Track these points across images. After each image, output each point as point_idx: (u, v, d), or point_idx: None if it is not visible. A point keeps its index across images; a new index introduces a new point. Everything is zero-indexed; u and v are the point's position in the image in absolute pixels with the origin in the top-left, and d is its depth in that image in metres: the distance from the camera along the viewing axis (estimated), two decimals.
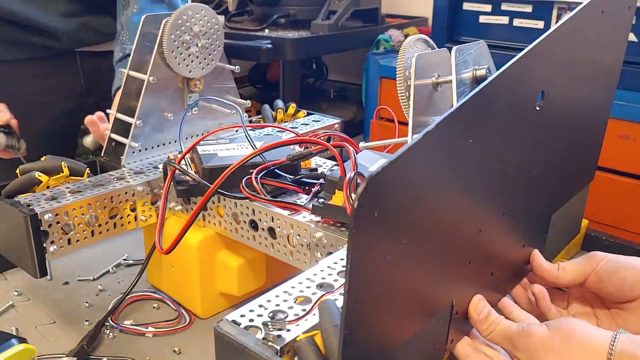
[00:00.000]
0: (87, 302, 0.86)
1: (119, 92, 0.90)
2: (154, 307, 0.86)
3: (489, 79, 0.45)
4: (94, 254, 0.98)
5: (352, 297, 0.37)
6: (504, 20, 1.55)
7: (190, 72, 0.90)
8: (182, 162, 0.78)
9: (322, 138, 0.86)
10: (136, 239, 1.01)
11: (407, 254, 0.42)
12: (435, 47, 0.69)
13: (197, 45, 0.89)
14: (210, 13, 0.90)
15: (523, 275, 0.73)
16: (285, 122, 1.08)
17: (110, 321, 0.80)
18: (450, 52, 0.64)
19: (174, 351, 0.76)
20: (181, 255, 0.81)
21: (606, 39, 0.70)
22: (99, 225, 0.77)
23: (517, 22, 1.55)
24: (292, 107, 1.09)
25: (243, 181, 0.71)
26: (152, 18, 0.88)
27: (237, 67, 0.95)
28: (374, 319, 0.41)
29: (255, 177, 0.72)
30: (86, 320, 0.82)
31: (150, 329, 0.80)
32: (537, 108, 0.57)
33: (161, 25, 0.86)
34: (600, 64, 0.72)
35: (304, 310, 0.52)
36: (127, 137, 0.87)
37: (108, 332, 0.79)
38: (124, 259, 0.97)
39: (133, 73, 0.88)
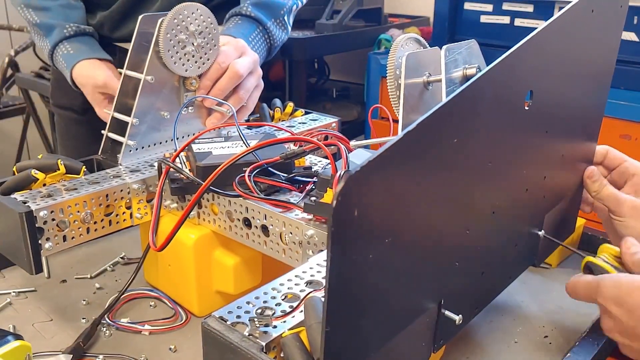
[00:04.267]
0: (84, 300, 0.87)
1: None
2: (150, 306, 0.86)
3: (473, 79, 0.45)
4: (91, 252, 0.99)
5: (333, 295, 0.38)
6: (505, 20, 1.55)
7: (186, 70, 0.90)
8: (177, 160, 0.78)
9: (318, 137, 0.86)
10: (134, 237, 1.01)
11: (390, 253, 0.42)
12: (427, 46, 0.70)
13: (193, 44, 0.89)
14: (206, 12, 0.90)
15: (516, 275, 0.73)
16: (282, 120, 1.09)
17: (107, 319, 0.81)
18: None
19: (170, 349, 0.77)
20: (177, 254, 0.81)
21: (598, 38, 0.70)
22: (95, 223, 0.78)
23: (518, 21, 1.55)
24: (290, 106, 1.10)
25: (236, 179, 0.71)
26: (148, 18, 0.88)
27: None
28: (357, 316, 0.42)
29: (249, 175, 0.72)
30: (83, 318, 0.82)
31: (147, 326, 0.80)
32: (526, 107, 0.57)
33: (157, 24, 0.86)
34: (592, 63, 0.72)
35: (292, 307, 0.52)
36: (123, 136, 0.88)
37: (104, 330, 0.79)
38: (122, 258, 0.98)
39: (130, 72, 0.89)
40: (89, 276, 0.93)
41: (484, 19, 1.57)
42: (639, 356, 0.62)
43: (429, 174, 0.44)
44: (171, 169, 0.77)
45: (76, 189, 0.77)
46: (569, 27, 0.61)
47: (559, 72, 0.63)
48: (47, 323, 0.82)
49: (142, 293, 0.88)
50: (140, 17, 0.88)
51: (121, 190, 0.80)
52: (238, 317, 0.51)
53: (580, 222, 1.03)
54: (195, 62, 0.91)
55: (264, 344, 0.47)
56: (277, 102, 1.10)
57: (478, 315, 0.82)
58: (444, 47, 0.61)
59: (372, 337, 0.45)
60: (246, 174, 0.72)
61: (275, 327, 0.49)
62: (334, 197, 0.34)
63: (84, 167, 0.82)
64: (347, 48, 1.76)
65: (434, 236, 0.48)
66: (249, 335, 0.48)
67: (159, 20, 0.87)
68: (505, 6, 1.52)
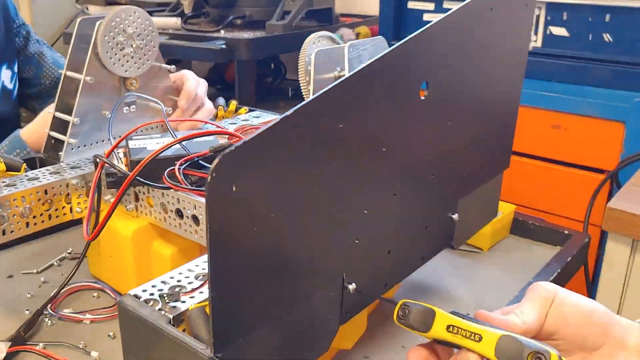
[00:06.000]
0: (29, 293, 0.90)
1: None
2: (94, 296, 0.89)
3: (357, 69, 0.50)
4: (39, 248, 1.02)
5: (215, 262, 0.42)
6: None
7: (126, 71, 0.94)
8: (113, 155, 0.82)
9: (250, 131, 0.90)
10: (80, 234, 1.04)
11: (277, 227, 0.47)
12: (341, 43, 0.74)
13: (131, 46, 0.93)
14: (144, 15, 0.94)
15: (429, 257, 0.78)
16: (226, 118, 1.13)
17: (50, 310, 0.84)
18: None
19: (109, 335, 0.80)
20: (117, 246, 0.85)
21: (502, 33, 0.75)
22: (34, 217, 0.81)
23: None
24: (233, 104, 1.14)
25: (166, 172, 0.75)
26: (87, 21, 0.92)
27: (173, 66, 1.00)
28: (247, 284, 0.46)
29: (178, 168, 0.76)
30: (27, 310, 0.85)
31: (88, 315, 0.84)
32: (422, 97, 0.62)
33: (95, 27, 0.90)
34: (499, 57, 0.77)
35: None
36: (65, 135, 0.91)
37: (47, 320, 0.83)
38: (68, 253, 1.01)
39: (70, 73, 0.92)
40: (35, 271, 0.96)
41: (426, 17, 1.62)
42: None
43: (313, 156, 0.48)
44: (106, 164, 0.80)
45: (15, 184, 0.81)
46: (465, 22, 0.65)
47: (458, 65, 0.67)
48: None
49: (86, 285, 0.91)
50: (78, 19, 0.92)
51: (60, 186, 0.84)
52: (151, 294, 0.55)
53: (510, 207, 1.09)
54: (135, 63, 0.95)
55: (171, 317, 0.52)
56: (221, 100, 1.15)
57: (402, 295, 0.87)
58: (348, 43, 0.65)
59: (267, 305, 0.49)
60: (176, 167, 0.76)
61: (184, 302, 0.54)
62: (209, 172, 0.38)
63: (25, 164, 0.86)
64: (298, 48, 1.80)
65: (326, 214, 0.52)
66: (159, 309, 0.53)
67: (97, 23, 0.90)
68: (446, 4, 1.58)
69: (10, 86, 1.38)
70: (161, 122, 0.86)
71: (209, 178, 0.39)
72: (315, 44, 0.71)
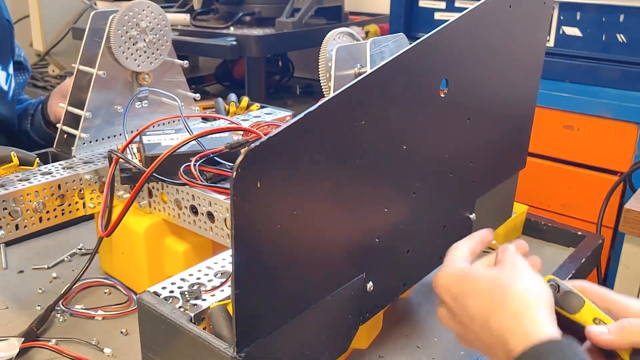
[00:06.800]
0: (40, 289, 0.90)
1: None
2: (105, 293, 0.89)
3: (377, 66, 0.49)
4: (49, 244, 1.02)
5: (239, 259, 0.41)
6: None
7: (138, 66, 0.93)
8: (127, 150, 0.81)
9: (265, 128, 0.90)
10: (91, 229, 1.04)
11: (300, 225, 0.46)
12: (360, 40, 0.74)
13: (144, 40, 0.92)
14: (157, 9, 0.93)
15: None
16: (238, 114, 1.12)
17: (62, 306, 0.84)
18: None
19: (122, 332, 0.80)
20: (129, 242, 0.84)
21: (520, 31, 0.75)
22: (47, 212, 0.81)
23: None
24: (245, 100, 1.14)
25: (181, 168, 0.75)
26: (100, 14, 0.91)
27: (185, 62, 0.99)
28: (270, 281, 0.45)
29: (194, 165, 0.75)
30: (38, 305, 0.85)
31: (100, 312, 0.84)
32: (442, 95, 0.61)
33: (108, 21, 0.89)
34: (517, 55, 0.76)
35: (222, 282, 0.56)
36: (77, 129, 0.91)
37: (59, 316, 0.82)
38: (79, 249, 1.00)
39: (83, 67, 0.91)
40: (46, 267, 0.96)
41: (437, 15, 1.61)
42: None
43: (336, 152, 0.48)
44: (121, 160, 0.80)
45: (28, 179, 0.80)
46: (484, 20, 0.65)
47: (477, 63, 0.67)
48: (3, 311, 0.85)
49: (98, 281, 0.91)
50: (92, 13, 0.91)
51: (73, 181, 0.83)
52: (171, 292, 0.54)
53: (523, 208, 1.08)
54: (147, 57, 0.94)
55: (192, 315, 0.51)
56: (232, 96, 1.14)
57: (418, 295, 0.86)
58: (370, 40, 0.65)
59: (289, 302, 0.48)
60: (191, 163, 0.76)
61: (204, 300, 0.53)
62: (234, 168, 0.38)
63: (38, 159, 0.85)
64: (307, 45, 1.79)
65: (347, 212, 0.52)
66: (179, 307, 0.52)
67: (110, 17, 0.90)
68: (458, 3, 1.57)
69: (5, 87, 1.37)
70: (177, 117, 0.85)
71: (234, 174, 0.38)
72: (335, 40, 0.70)
